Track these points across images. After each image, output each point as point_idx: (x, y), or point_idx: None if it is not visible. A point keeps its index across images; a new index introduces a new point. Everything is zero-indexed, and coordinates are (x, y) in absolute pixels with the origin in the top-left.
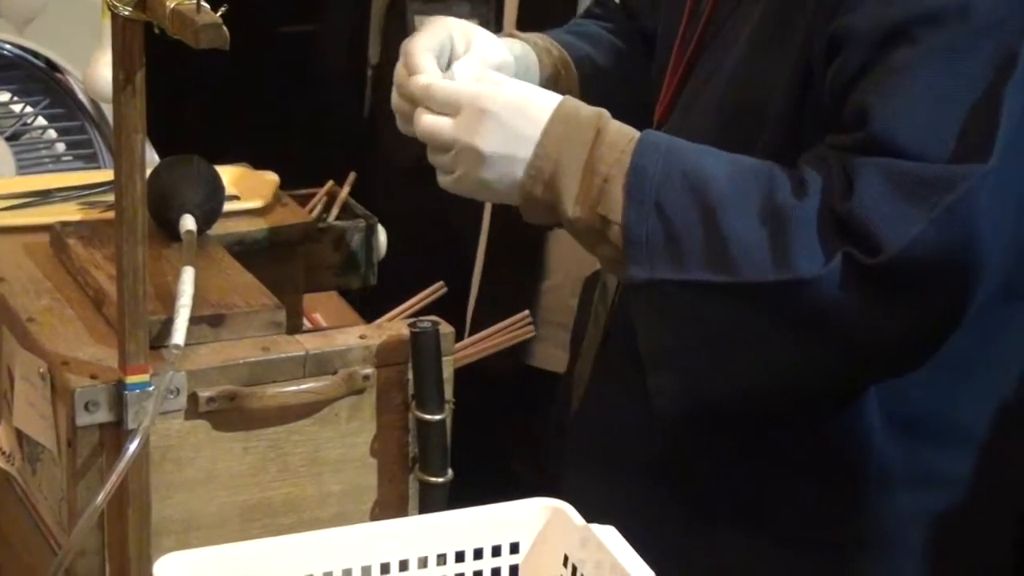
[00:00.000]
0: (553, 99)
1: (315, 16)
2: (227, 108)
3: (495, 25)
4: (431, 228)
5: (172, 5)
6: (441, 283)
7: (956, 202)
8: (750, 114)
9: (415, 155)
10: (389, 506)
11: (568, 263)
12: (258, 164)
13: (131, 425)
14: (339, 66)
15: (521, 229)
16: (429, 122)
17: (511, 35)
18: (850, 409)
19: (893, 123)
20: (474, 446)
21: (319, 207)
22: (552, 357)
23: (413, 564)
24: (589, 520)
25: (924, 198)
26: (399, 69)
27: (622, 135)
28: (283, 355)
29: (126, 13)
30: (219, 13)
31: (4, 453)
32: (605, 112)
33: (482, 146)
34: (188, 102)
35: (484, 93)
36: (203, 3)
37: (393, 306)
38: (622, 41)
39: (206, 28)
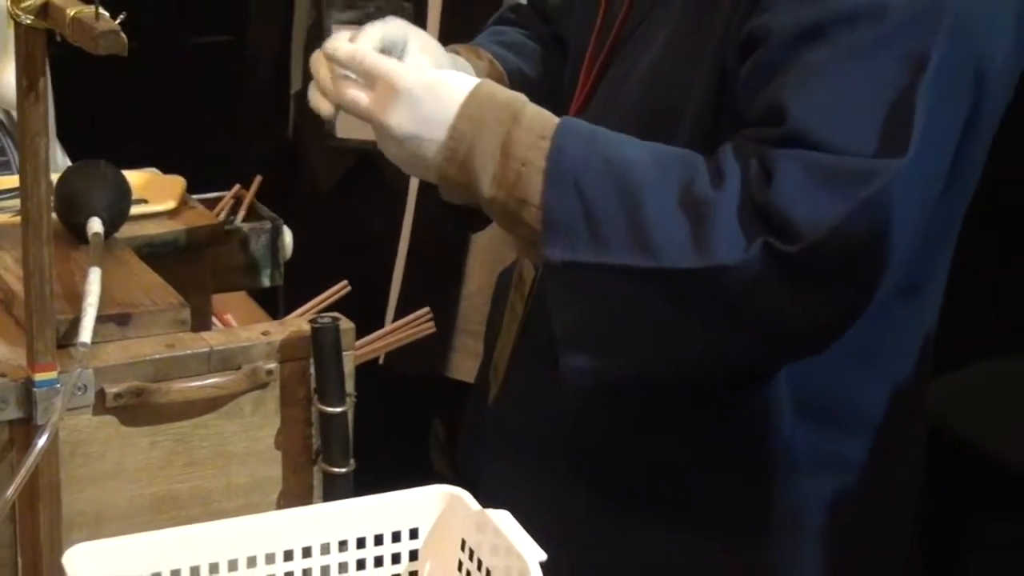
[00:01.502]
0: (469, 82)
1: (238, 29)
2: (146, 116)
3: None
4: (352, 238)
5: (72, 13)
6: (345, 282)
7: (873, 194)
8: (666, 113)
9: (341, 171)
10: (294, 496)
11: (485, 272)
12: (175, 171)
13: (40, 421)
14: (262, 80)
15: (441, 236)
16: (348, 93)
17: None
18: (759, 395)
19: (812, 119)
20: (397, 445)
21: (227, 210)
22: (465, 368)
23: (316, 551)
24: (508, 510)
25: (842, 190)
26: (317, 55)
27: (540, 119)
28: (188, 351)
29: (28, 21)
30: (118, 20)
31: None
32: (523, 96)
33: (392, 124)
34: (107, 110)
35: (400, 71)
36: (102, 11)
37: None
38: (542, 47)
39: (105, 35)
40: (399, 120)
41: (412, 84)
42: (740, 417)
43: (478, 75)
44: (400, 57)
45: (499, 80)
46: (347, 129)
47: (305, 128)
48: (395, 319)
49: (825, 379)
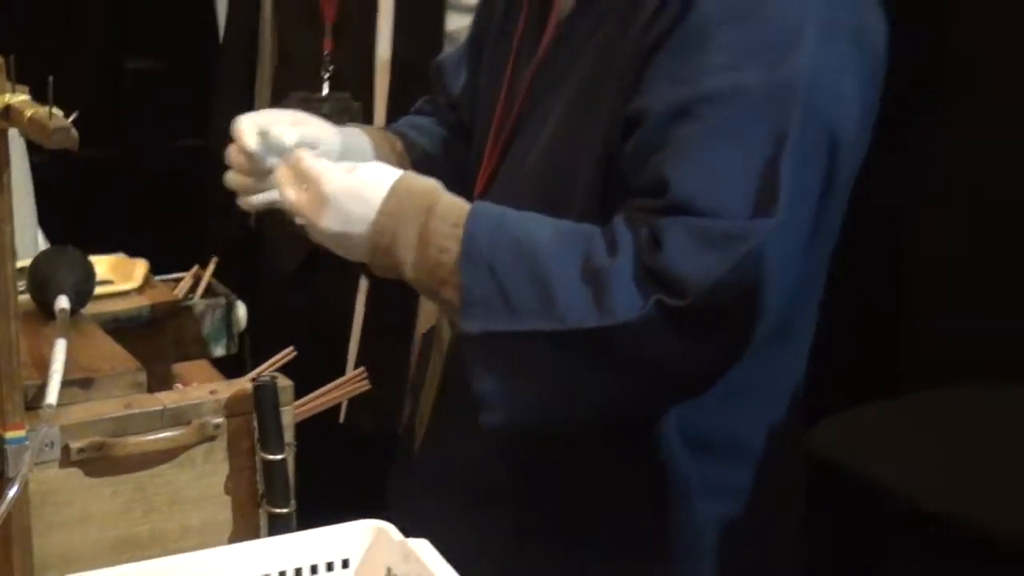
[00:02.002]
0: (390, 178)
1: (204, 135)
2: (128, 209)
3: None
4: (314, 311)
5: (29, 113)
6: (291, 348)
7: (749, 252)
8: (563, 186)
9: (301, 254)
10: (243, 536)
11: None
12: (146, 255)
13: (11, 474)
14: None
15: (391, 308)
16: (288, 194)
17: (355, 126)
18: (654, 431)
19: (690, 189)
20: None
21: (186, 289)
22: None
23: None
24: (437, 546)
25: (721, 249)
26: (232, 149)
27: (454, 208)
28: (143, 410)
29: None
30: (71, 119)
31: None
32: (439, 186)
33: (323, 226)
34: (88, 202)
35: (326, 177)
36: (55, 110)
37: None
38: (448, 131)
39: (57, 131)
40: (328, 223)
41: (336, 189)
42: (638, 451)
43: (376, 146)
44: (314, 147)
45: (398, 154)
46: None
47: (267, 217)
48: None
49: (709, 416)
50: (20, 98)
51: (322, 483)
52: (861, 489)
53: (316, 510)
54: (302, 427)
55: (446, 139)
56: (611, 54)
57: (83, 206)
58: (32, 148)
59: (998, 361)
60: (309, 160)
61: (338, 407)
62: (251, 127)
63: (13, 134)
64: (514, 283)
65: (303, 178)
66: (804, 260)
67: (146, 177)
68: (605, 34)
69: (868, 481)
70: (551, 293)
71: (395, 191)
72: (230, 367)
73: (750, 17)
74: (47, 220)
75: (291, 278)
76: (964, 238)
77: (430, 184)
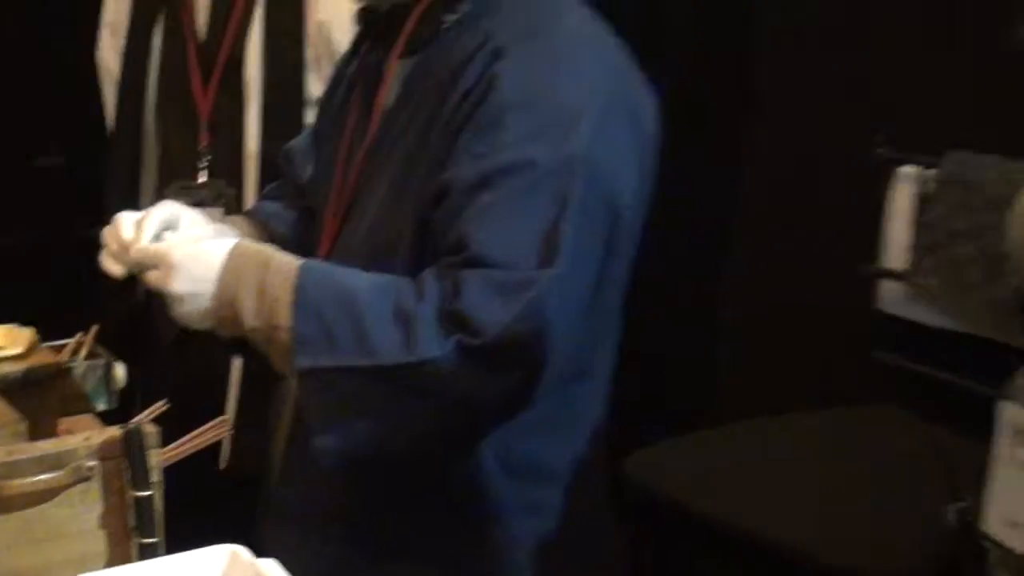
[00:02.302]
0: (227, 244)
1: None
2: (31, 287)
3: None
4: (194, 371)
5: None
6: (163, 401)
7: (534, 297)
8: (388, 249)
9: (179, 327)
10: (118, 564)
11: None
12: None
13: None
14: None
15: (261, 372)
16: (148, 277)
17: (214, 213)
18: (471, 458)
19: (486, 245)
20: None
21: (70, 352)
22: None
23: None
24: (289, 568)
25: (511, 295)
26: (107, 231)
27: (286, 264)
28: (25, 456)
29: None
30: None
31: None
32: (270, 248)
33: (175, 290)
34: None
35: (171, 250)
36: None
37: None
38: (297, 212)
39: None
40: (178, 286)
41: (182, 257)
42: (456, 475)
43: (237, 227)
44: (176, 229)
45: (264, 238)
46: None
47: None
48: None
49: (522, 443)
50: None
51: (199, 517)
52: (672, 508)
53: (192, 540)
54: (180, 469)
55: (296, 220)
56: (425, 137)
57: None
58: None
59: (780, 398)
60: (151, 248)
61: (218, 454)
62: (129, 218)
63: None
64: (336, 325)
65: (155, 260)
66: (591, 307)
67: (51, 261)
68: (420, 121)
69: (677, 501)
70: (366, 332)
71: (233, 253)
72: (119, 422)
73: (537, 103)
74: None
75: (174, 343)
76: (759, 304)
77: (264, 246)
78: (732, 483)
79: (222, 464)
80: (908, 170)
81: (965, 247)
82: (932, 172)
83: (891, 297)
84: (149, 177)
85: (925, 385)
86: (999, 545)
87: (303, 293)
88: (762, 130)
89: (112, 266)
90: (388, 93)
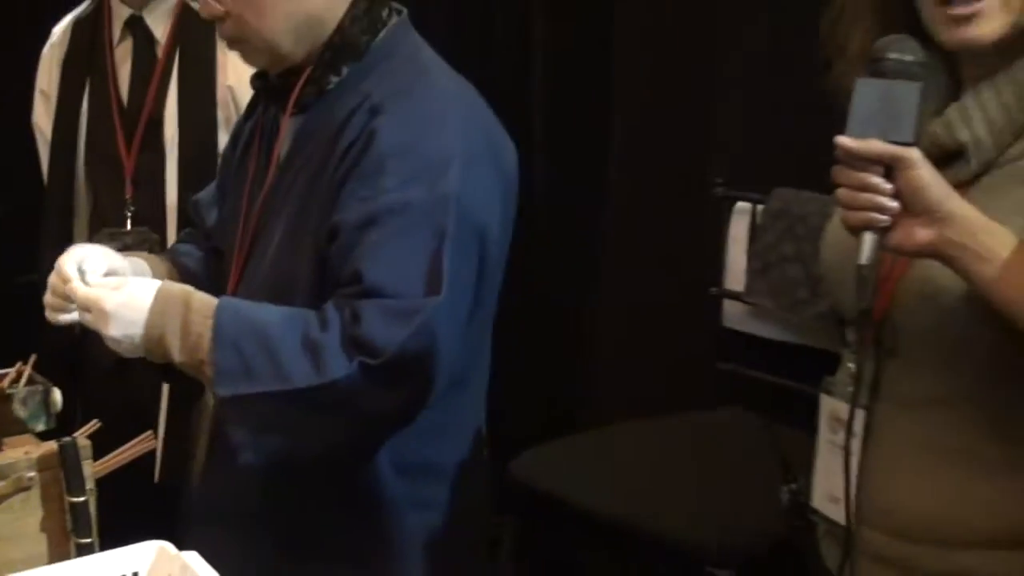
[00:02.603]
0: (152, 287)
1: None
2: None
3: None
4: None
5: None
6: (95, 421)
7: (424, 321)
8: (288, 284)
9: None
10: (57, 562)
11: None
12: None
13: None
14: None
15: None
16: (83, 317)
17: (137, 255)
18: (369, 462)
19: (378, 277)
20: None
21: (11, 380)
22: None
23: None
24: (211, 562)
25: (404, 321)
26: (52, 277)
27: (206, 303)
28: None
29: None
30: None
31: None
32: (190, 288)
33: (111, 334)
34: None
35: (104, 297)
36: None
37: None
38: (205, 253)
39: None
40: (113, 331)
41: (114, 306)
42: (359, 478)
43: (156, 274)
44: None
45: (176, 273)
46: None
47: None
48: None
49: (412, 447)
50: None
51: (133, 523)
52: (551, 501)
53: (126, 542)
54: (116, 480)
55: (205, 259)
56: (316, 184)
57: None
58: None
59: (645, 404)
60: (85, 289)
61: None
62: (71, 262)
63: None
64: (252, 356)
65: (89, 305)
66: (468, 326)
67: None
68: (311, 170)
69: (556, 496)
70: (280, 361)
71: (158, 297)
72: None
73: (412, 152)
74: None
75: (109, 370)
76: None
77: (185, 287)
78: (603, 478)
79: (156, 477)
80: (742, 205)
81: (792, 270)
82: (761, 207)
83: (733, 314)
84: (81, 227)
85: (764, 389)
86: (825, 518)
87: (221, 329)
88: (623, 174)
89: (53, 306)
90: (282, 146)
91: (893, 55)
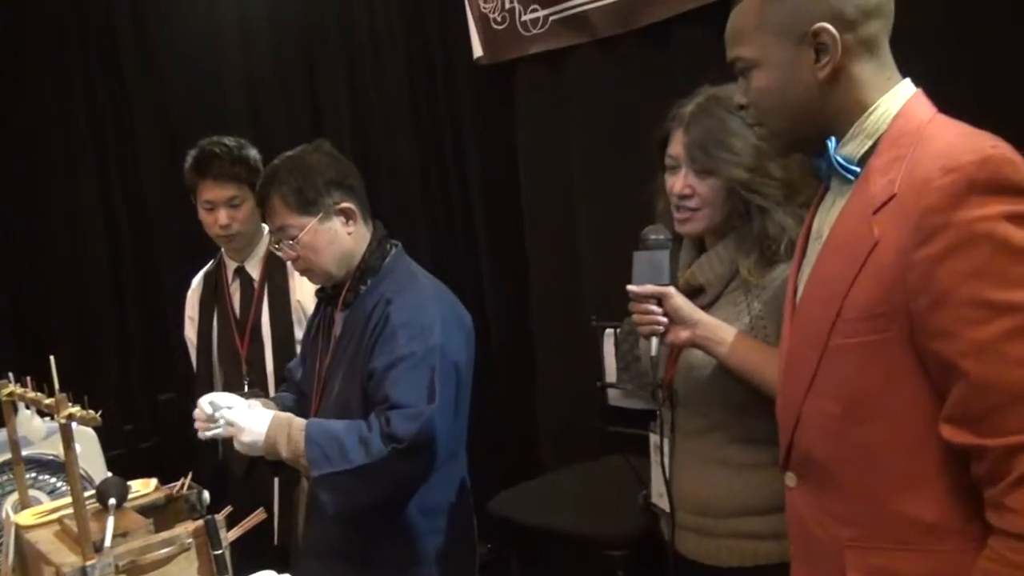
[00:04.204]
0: (268, 416)
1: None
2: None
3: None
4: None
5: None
6: (260, 509)
7: (427, 419)
8: (347, 407)
9: (245, 466)
10: None
11: None
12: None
13: None
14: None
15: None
16: (227, 430)
17: (262, 402)
18: (405, 507)
19: (399, 397)
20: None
21: (177, 489)
22: None
23: None
24: None
25: (415, 420)
26: (196, 411)
27: (300, 423)
28: (154, 540)
29: None
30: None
31: None
32: (292, 416)
33: (243, 441)
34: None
35: (237, 421)
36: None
37: None
38: (295, 395)
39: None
40: (244, 438)
41: (245, 423)
42: (397, 517)
43: (268, 408)
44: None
45: (280, 408)
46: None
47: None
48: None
49: (427, 496)
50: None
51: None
52: (517, 525)
53: None
54: (248, 541)
55: (295, 400)
56: (358, 350)
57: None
58: None
59: (568, 457)
60: (231, 416)
61: (271, 532)
62: (206, 401)
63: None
64: (330, 449)
65: (232, 424)
66: (454, 422)
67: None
68: (355, 342)
69: (518, 521)
70: (346, 451)
71: (272, 422)
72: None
73: (412, 324)
74: None
75: (242, 477)
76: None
77: (287, 415)
78: (546, 504)
79: (275, 540)
80: (609, 331)
81: (639, 366)
82: (619, 329)
83: (613, 395)
84: (218, 387)
85: (632, 440)
86: (658, 508)
87: (310, 437)
88: (540, 316)
89: (204, 432)
90: (336, 329)
91: (652, 236)
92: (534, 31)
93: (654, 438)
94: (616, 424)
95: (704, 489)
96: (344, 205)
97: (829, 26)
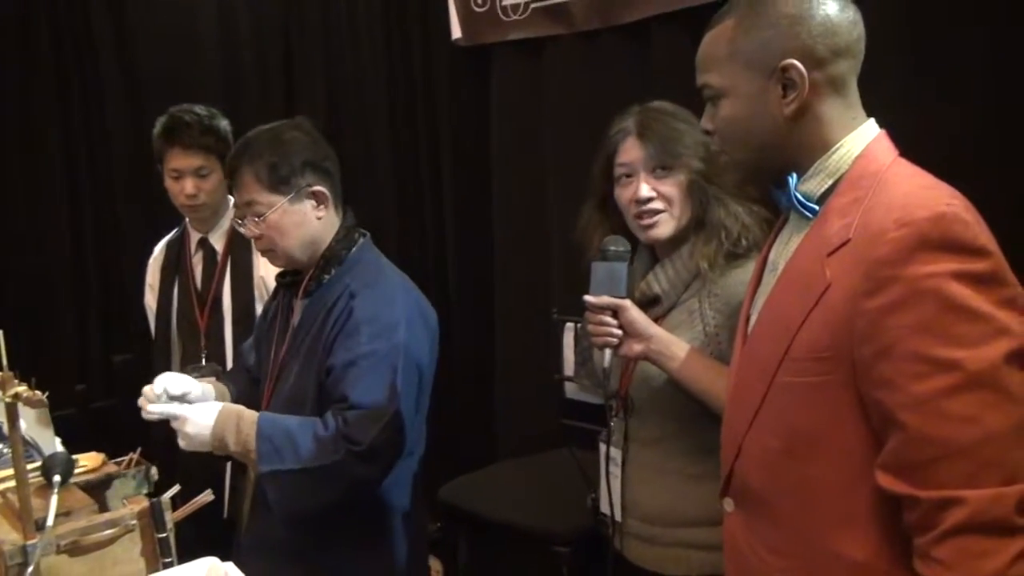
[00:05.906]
0: (215, 409)
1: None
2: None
3: None
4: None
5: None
6: (177, 486)
7: (389, 418)
8: (301, 401)
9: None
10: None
11: None
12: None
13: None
14: None
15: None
16: (173, 423)
17: (207, 380)
18: (376, 503)
19: (358, 397)
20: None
21: (125, 463)
22: None
23: None
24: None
25: (376, 420)
26: (145, 388)
27: (250, 415)
28: (97, 521)
29: None
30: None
31: None
32: (242, 407)
33: (189, 433)
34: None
35: (182, 413)
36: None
37: None
38: (247, 380)
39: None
40: (190, 439)
41: (191, 417)
42: (364, 509)
43: (217, 392)
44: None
45: (228, 393)
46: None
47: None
48: None
49: (388, 493)
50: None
51: (206, 551)
52: (466, 513)
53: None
54: (196, 520)
55: (246, 383)
56: (316, 342)
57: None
58: None
59: (524, 449)
60: (173, 408)
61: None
62: (161, 386)
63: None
64: (282, 447)
65: (174, 417)
66: (413, 421)
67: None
68: (314, 333)
69: (468, 509)
70: (299, 450)
71: (220, 414)
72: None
73: (376, 320)
74: None
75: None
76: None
77: (237, 407)
78: (497, 495)
79: (225, 514)
80: (569, 325)
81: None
82: (579, 324)
83: (570, 389)
84: (175, 365)
85: (587, 434)
86: (606, 515)
87: (262, 431)
88: (503, 312)
89: (145, 414)
90: (295, 317)
91: (611, 247)
92: (514, 16)
93: (604, 448)
94: (571, 418)
95: (655, 498)
96: (317, 188)
97: (798, 63)
